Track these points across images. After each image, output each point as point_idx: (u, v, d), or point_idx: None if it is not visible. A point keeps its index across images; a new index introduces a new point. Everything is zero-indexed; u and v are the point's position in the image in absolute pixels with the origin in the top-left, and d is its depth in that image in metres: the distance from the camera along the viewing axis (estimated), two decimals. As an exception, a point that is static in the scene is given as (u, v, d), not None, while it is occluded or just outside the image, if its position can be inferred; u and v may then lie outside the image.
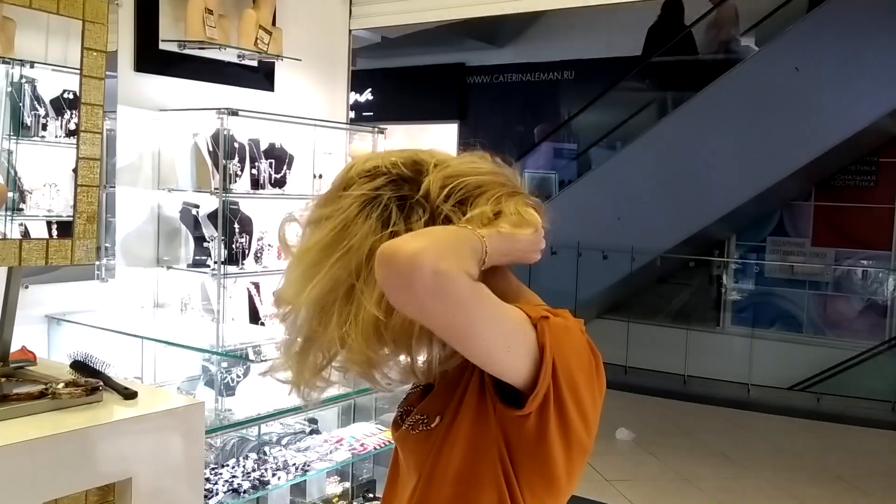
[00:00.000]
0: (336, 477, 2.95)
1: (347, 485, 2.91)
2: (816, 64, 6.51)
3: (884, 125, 6.65)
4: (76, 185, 1.63)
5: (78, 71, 1.67)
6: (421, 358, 0.97)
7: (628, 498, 4.11)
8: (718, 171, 7.06)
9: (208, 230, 2.97)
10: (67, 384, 1.49)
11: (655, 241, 7.34)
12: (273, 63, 3.22)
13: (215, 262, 2.86)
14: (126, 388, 1.55)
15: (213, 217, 2.94)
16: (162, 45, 2.87)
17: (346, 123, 3.63)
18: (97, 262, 2.86)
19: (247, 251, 3.02)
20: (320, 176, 3.28)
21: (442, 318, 0.84)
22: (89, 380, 1.53)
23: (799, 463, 4.81)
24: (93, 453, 1.41)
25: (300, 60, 3.20)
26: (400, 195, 0.95)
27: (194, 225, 3.00)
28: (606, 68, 8.53)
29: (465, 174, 0.98)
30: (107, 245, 2.89)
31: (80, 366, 1.65)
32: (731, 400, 5.50)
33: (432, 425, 0.99)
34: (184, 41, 2.87)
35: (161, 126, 2.92)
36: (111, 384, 1.56)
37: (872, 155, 7.19)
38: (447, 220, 0.94)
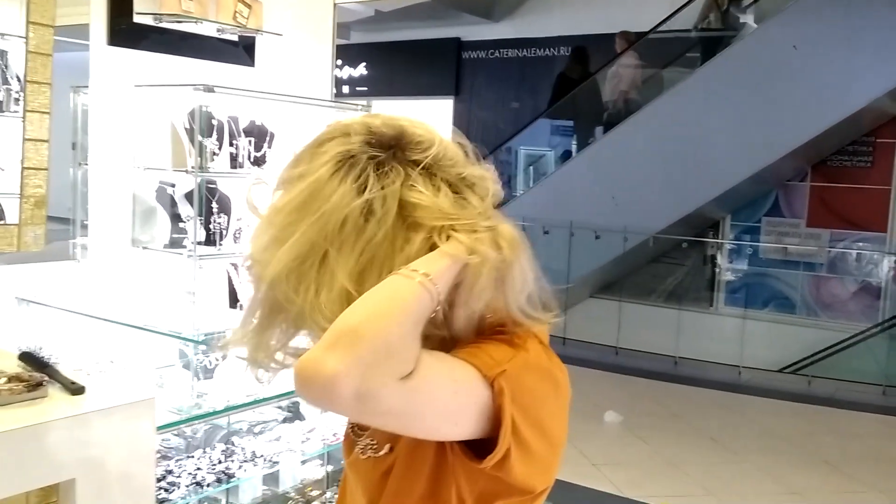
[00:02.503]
0: (318, 460, 2.90)
1: (331, 467, 2.85)
2: (815, 42, 6.41)
3: (882, 105, 6.57)
4: (22, 168, 1.56)
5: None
6: None
7: (614, 483, 4.08)
8: (714, 151, 6.98)
9: (185, 210, 2.90)
10: (10, 378, 1.42)
11: (650, 221, 7.27)
12: (254, 37, 3.12)
13: (192, 243, 2.79)
14: (73, 383, 1.48)
15: (189, 196, 2.86)
16: (136, 18, 2.78)
17: (331, 100, 3.54)
18: (72, 241, 2.80)
19: (225, 232, 2.95)
20: (302, 154, 3.20)
21: (373, 423, 0.81)
22: (34, 374, 1.46)
23: (787, 447, 4.79)
24: (33, 453, 1.35)
25: (280, 35, 3.10)
26: (376, 157, 0.88)
27: (171, 204, 2.92)
28: (604, 44, 8.41)
29: (456, 158, 0.92)
30: (85, 223, 2.83)
31: (28, 357, 1.58)
32: (721, 382, 5.47)
33: (380, 453, 0.93)
34: (159, 14, 2.77)
35: (136, 102, 2.83)
36: (58, 378, 1.49)
37: (869, 136, 7.12)
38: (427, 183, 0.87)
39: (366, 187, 0.85)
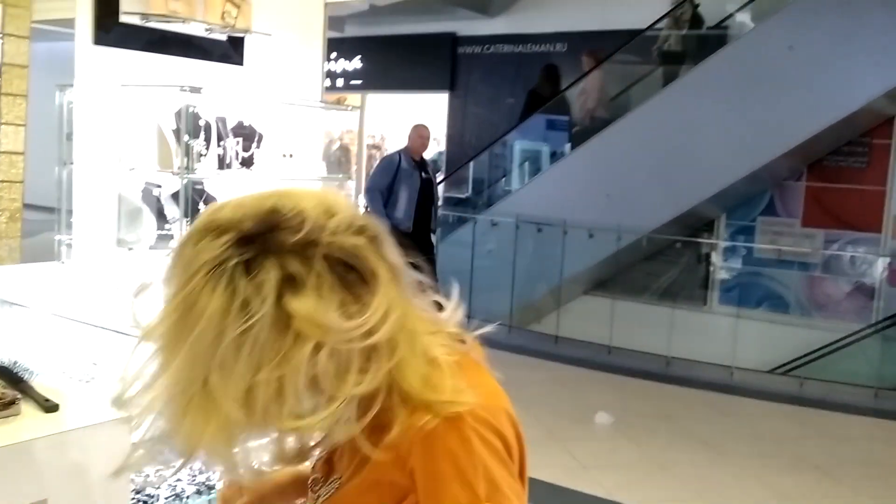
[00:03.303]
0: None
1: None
2: (811, 43, 6.39)
3: (878, 106, 6.54)
4: (-3, 181, 1.53)
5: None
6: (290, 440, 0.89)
7: (603, 485, 4.07)
8: (709, 150, 6.95)
9: (171, 211, 2.87)
10: (-18, 397, 1.40)
11: (644, 220, 7.24)
12: (243, 37, 3.09)
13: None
14: (47, 400, 1.46)
15: (176, 197, 2.83)
16: (123, 18, 2.74)
17: (321, 100, 3.51)
18: (58, 237, 2.77)
19: (212, 233, 2.92)
20: (290, 155, 3.17)
21: None
22: (6, 391, 1.44)
23: (777, 450, 4.78)
24: (5, 474, 1.32)
25: (269, 35, 3.06)
26: (245, 257, 0.82)
27: (157, 205, 2.90)
28: (600, 41, 8.36)
29: (337, 225, 0.87)
30: (70, 221, 2.80)
31: (2, 372, 1.56)
32: (713, 383, 5.45)
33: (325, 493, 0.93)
34: (145, 14, 2.74)
35: (123, 102, 2.79)
36: (32, 394, 1.47)
37: (865, 136, 7.09)
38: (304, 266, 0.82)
39: (237, 292, 0.80)
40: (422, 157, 6.62)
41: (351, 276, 0.84)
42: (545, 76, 8.85)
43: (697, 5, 7.79)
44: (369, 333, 0.82)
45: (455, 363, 0.89)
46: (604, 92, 8.30)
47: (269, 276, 0.81)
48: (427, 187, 6.61)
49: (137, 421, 0.86)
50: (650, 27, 7.85)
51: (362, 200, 6.51)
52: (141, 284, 0.90)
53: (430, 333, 0.90)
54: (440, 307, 0.97)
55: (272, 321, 0.80)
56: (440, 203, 7.58)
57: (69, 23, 2.61)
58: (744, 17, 7.68)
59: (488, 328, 1.03)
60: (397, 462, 0.84)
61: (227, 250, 0.82)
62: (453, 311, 0.98)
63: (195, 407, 0.81)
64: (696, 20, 7.84)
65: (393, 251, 0.91)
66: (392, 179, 6.45)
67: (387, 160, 6.80)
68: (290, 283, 0.81)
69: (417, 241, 6.47)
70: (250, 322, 0.79)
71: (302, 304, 0.80)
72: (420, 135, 6.59)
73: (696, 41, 7.89)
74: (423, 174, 6.57)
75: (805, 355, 6.70)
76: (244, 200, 0.87)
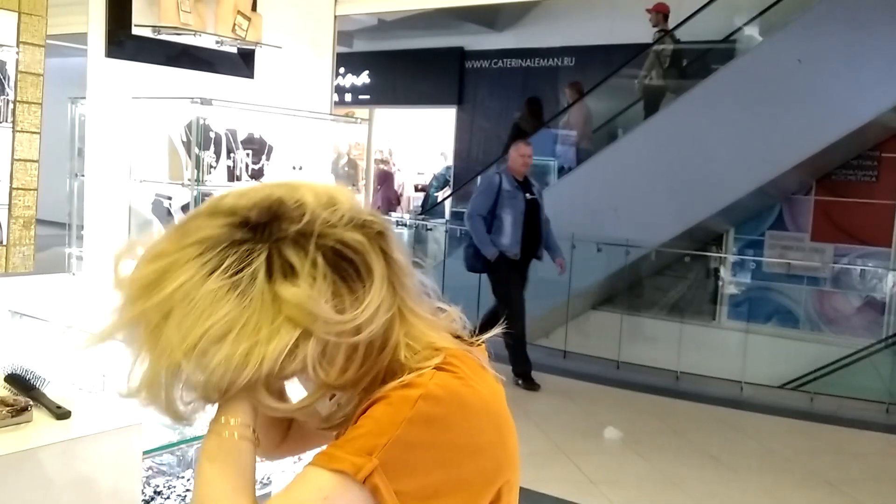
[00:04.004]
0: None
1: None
2: (820, 57, 6.38)
3: (888, 120, 6.53)
4: (11, 189, 1.54)
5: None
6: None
7: (612, 501, 4.04)
8: (718, 164, 6.94)
9: (181, 223, 2.88)
10: (-6, 404, 1.40)
11: (652, 234, 7.23)
12: (253, 49, 3.10)
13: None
14: (59, 408, 1.46)
15: (186, 209, 2.84)
16: (135, 31, 2.76)
17: (330, 112, 3.52)
18: (68, 251, 2.78)
19: (221, 245, 2.93)
20: (300, 167, 3.18)
21: None
22: (19, 398, 1.44)
23: (788, 466, 4.74)
24: (17, 480, 1.32)
25: (280, 48, 3.08)
26: (243, 239, 0.83)
27: (167, 217, 2.90)
28: (607, 55, 8.39)
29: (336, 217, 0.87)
30: (81, 234, 2.81)
31: (14, 379, 1.56)
32: (723, 398, 5.41)
33: None
34: (157, 26, 2.76)
35: (134, 114, 2.81)
36: (44, 402, 1.47)
37: (874, 150, 7.08)
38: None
39: (227, 271, 0.81)
40: (525, 177, 6.07)
41: (348, 270, 0.85)
42: (528, 110, 8.90)
43: (678, 40, 7.98)
44: (358, 330, 0.83)
45: (454, 356, 0.88)
46: (588, 125, 8.52)
47: (262, 259, 0.82)
48: (533, 209, 6.01)
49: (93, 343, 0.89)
50: (658, 41, 7.87)
51: (466, 225, 6.10)
52: (129, 243, 0.91)
53: (431, 330, 0.91)
54: (443, 312, 0.97)
55: (261, 303, 0.81)
56: (461, 217, 7.12)
57: (80, 38, 2.63)
58: (752, 31, 7.70)
59: (495, 331, 1.03)
60: None
61: (226, 230, 0.83)
62: (458, 316, 0.98)
63: (144, 344, 0.83)
64: (678, 56, 8.10)
65: (399, 249, 0.90)
66: (494, 202, 5.93)
67: (486, 181, 6.27)
68: (283, 270, 0.82)
69: (525, 268, 6.09)
70: (240, 291, 0.81)
71: (293, 291, 0.81)
72: (521, 153, 6.03)
73: (678, 76, 8.11)
74: (527, 195, 6.00)
75: (815, 370, 6.65)
76: (250, 190, 0.88)
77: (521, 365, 5.90)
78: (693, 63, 8.13)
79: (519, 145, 6.13)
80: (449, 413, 0.84)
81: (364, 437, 0.81)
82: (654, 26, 8.05)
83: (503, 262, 5.89)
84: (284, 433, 1.10)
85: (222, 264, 0.81)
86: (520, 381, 5.85)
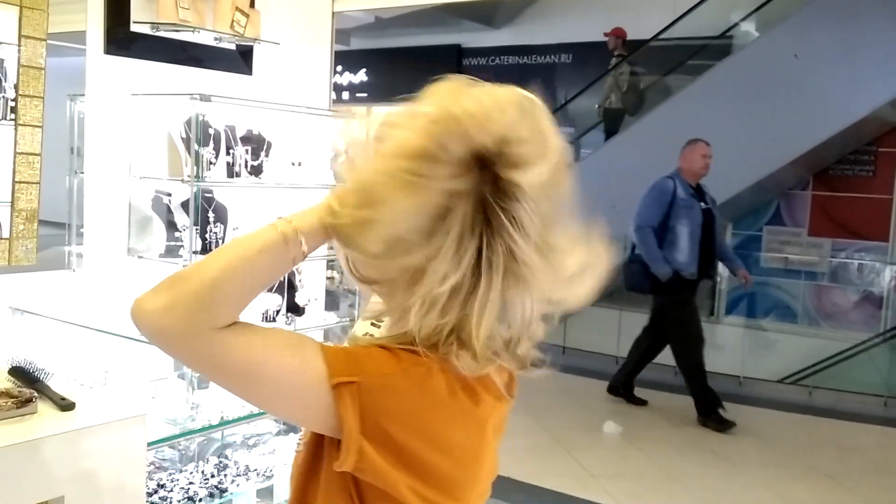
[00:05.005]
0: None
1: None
2: (817, 52, 6.40)
3: (884, 114, 6.55)
4: (14, 182, 1.54)
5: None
6: None
7: (612, 494, 4.05)
8: (715, 159, 6.90)
9: (181, 219, 2.88)
10: (0, 395, 1.40)
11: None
12: (251, 46, 3.11)
13: (189, 252, 2.77)
14: (63, 399, 1.46)
15: (186, 206, 2.84)
16: (134, 27, 2.76)
17: (329, 108, 3.53)
18: (68, 249, 2.78)
19: (221, 241, 2.93)
20: (299, 163, 3.18)
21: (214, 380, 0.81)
22: (23, 390, 1.44)
23: (787, 459, 4.75)
24: (22, 470, 1.33)
25: (278, 44, 3.08)
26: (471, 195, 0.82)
27: (167, 214, 2.91)
28: (604, 51, 8.40)
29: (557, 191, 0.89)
30: (81, 231, 2.81)
31: (18, 372, 1.56)
32: (722, 393, 5.42)
33: (299, 448, 0.93)
34: (156, 23, 2.76)
35: (133, 111, 2.81)
36: (48, 393, 1.47)
37: (871, 145, 7.09)
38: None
39: (473, 233, 0.81)
40: (698, 183, 5.25)
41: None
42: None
43: (636, 64, 8.21)
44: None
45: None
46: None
47: (500, 222, 0.82)
48: (709, 221, 5.19)
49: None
50: (654, 37, 7.88)
51: (633, 238, 5.28)
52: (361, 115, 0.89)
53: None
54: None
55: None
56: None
57: (78, 37, 2.63)
58: (748, 27, 7.71)
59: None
60: None
61: (459, 182, 0.81)
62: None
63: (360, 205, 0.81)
64: (635, 80, 8.32)
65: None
66: (667, 212, 5.14)
67: (659, 187, 5.26)
68: (514, 231, 0.82)
69: (696, 290, 5.39)
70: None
71: (531, 259, 0.83)
72: (702, 153, 5.17)
73: (636, 100, 8.32)
74: (701, 204, 5.21)
75: (813, 365, 6.67)
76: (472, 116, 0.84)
77: (707, 401, 5.20)
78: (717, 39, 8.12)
79: (698, 144, 5.23)
80: (440, 393, 0.84)
81: (364, 360, 0.82)
82: (611, 50, 8.27)
83: (676, 283, 5.11)
84: None
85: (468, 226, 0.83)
86: (709, 423, 5.15)
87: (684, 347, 5.23)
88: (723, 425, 5.11)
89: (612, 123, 8.26)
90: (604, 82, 8.37)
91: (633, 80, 8.29)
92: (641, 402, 5.63)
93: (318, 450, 0.87)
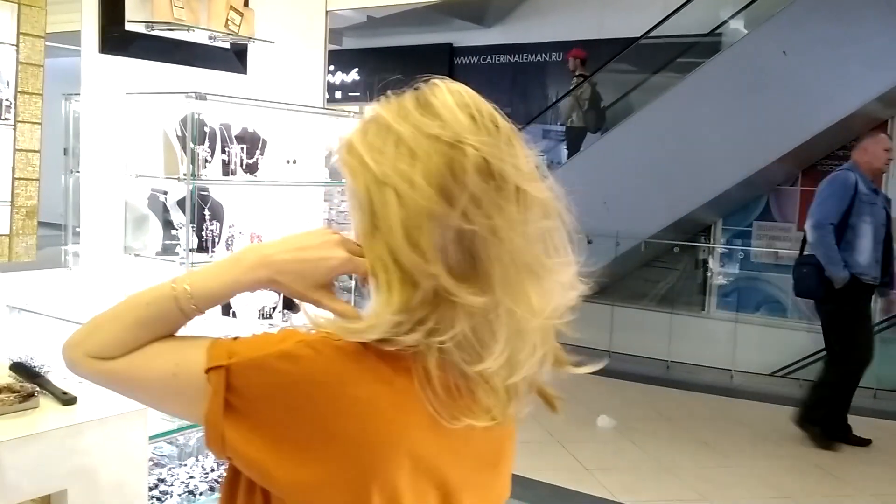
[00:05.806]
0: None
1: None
2: (805, 48, 6.45)
3: (872, 110, 6.60)
4: (13, 179, 1.56)
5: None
6: None
7: (606, 487, 4.09)
8: (705, 156, 7.01)
9: (177, 217, 2.90)
10: (1, 389, 1.42)
11: (641, 226, 7.29)
12: (246, 45, 3.13)
13: (185, 250, 2.79)
14: (65, 393, 1.48)
15: (182, 204, 2.86)
16: (128, 26, 2.78)
17: (323, 107, 3.55)
18: (64, 248, 2.80)
19: (217, 239, 2.95)
20: (294, 161, 3.20)
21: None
22: (25, 385, 1.46)
23: (779, 451, 4.81)
24: (24, 464, 1.35)
25: (272, 43, 3.11)
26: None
27: (163, 212, 2.93)
28: (596, 49, 8.44)
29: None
30: (77, 230, 2.83)
31: (19, 367, 1.58)
32: (713, 386, 5.48)
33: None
34: (151, 22, 2.78)
35: (128, 110, 2.83)
36: (49, 388, 1.49)
37: (858, 140, 7.14)
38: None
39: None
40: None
41: None
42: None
43: (595, 84, 8.42)
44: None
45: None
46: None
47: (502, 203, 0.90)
48: (889, 221, 4.76)
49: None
50: (645, 35, 7.93)
51: (810, 237, 4.75)
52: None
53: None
54: None
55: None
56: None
57: (72, 37, 2.65)
58: (737, 24, 7.77)
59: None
60: None
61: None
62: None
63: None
64: (595, 99, 8.52)
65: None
66: (848, 209, 4.64)
67: (839, 181, 4.77)
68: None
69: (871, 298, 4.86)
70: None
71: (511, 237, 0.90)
72: (885, 147, 4.75)
73: (596, 116, 8.59)
74: (883, 203, 4.79)
75: (804, 358, 6.72)
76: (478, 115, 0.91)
77: (830, 423, 4.82)
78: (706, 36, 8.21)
79: (881, 137, 4.85)
80: (320, 372, 0.82)
81: (240, 343, 0.86)
82: (571, 71, 8.50)
83: (854, 289, 4.61)
84: None
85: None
86: (812, 429, 4.78)
87: (839, 368, 4.82)
88: (827, 442, 4.78)
89: (574, 141, 8.59)
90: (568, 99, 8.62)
91: (593, 97, 8.53)
92: (865, 443, 4.92)
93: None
